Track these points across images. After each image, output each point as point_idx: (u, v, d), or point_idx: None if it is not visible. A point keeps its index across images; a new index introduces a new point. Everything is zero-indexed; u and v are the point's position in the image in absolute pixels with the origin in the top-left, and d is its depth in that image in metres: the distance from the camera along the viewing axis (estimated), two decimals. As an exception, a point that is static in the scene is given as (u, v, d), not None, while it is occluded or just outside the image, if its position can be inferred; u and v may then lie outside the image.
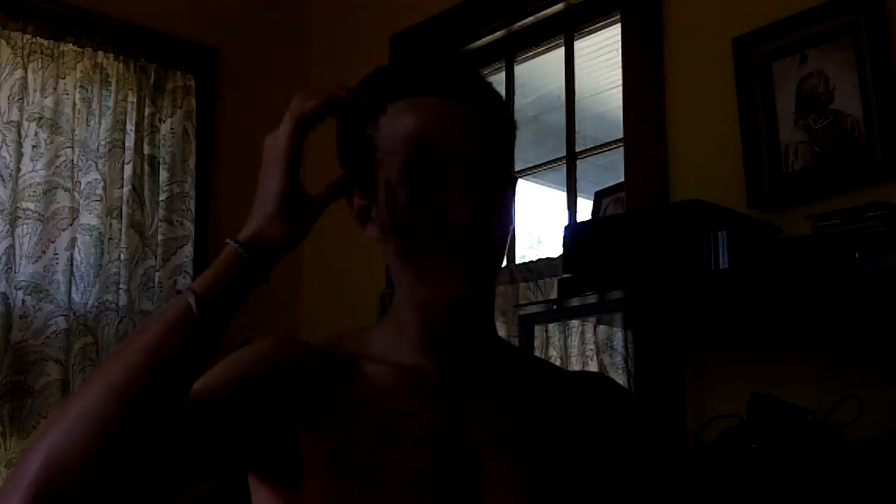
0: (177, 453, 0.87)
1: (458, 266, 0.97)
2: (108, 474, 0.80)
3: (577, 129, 2.80)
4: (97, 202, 2.83)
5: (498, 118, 1.03)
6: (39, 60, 2.81)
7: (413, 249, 0.99)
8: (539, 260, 2.59)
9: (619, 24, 2.53)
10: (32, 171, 2.75)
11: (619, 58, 2.48)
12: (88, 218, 2.82)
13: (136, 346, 0.86)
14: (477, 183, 0.98)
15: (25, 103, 2.76)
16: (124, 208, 2.86)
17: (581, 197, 2.75)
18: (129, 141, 2.90)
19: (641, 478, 1.10)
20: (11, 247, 2.67)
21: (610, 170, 2.82)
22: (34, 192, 2.74)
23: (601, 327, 2.35)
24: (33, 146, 2.76)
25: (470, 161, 0.98)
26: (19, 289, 2.68)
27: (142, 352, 0.85)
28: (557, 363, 2.39)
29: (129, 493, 0.82)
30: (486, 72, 3.00)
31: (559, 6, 2.73)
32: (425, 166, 0.97)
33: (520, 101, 3.04)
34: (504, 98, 1.08)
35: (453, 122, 0.98)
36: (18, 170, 2.72)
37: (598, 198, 2.48)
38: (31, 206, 2.73)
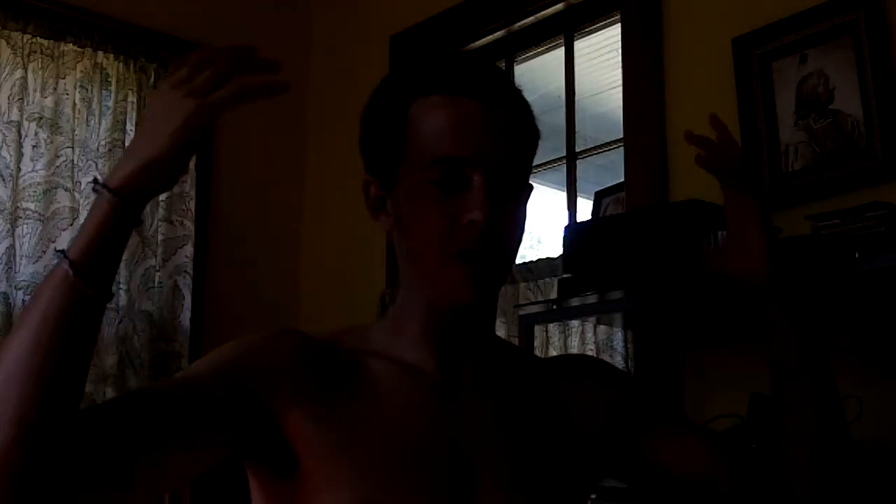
0: (139, 432, 0.87)
1: (466, 270, 0.98)
2: (21, 455, 0.79)
3: (577, 129, 2.80)
4: (97, 202, 2.82)
5: (525, 127, 1.04)
6: (39, 60, 2.81)
7: (425, 247, 0.99)
8: (539, 260, 2.59)
9: (619, 24, 2.53)
10: (32, 171, 2.75)
11: (619, 58, 2.48)
12: (88, 218, 2.81)
13: (26, 327, 0.83)
14: (497, 189, 0.98)
15: (25, 103, 2.76)
16: (124, 208, 2.85)
17: (581, 197, 2.75)
18: (129, 141, 2.90)
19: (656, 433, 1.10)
20: (11, 247, 2.67)
21: (610, 170, 2.82)
22: (34, 192, 2.74)
23: (601, 327, 2.35)
24: (33, 146, 2.76)
25: (493, 166, 0.98)
26: (19, 289, 2.68)
27: (32, 331, 0.83)
28: (557, 363, 2.39)
29: (54, 472, 0.80)
30: (486, 72, 2.99)
31: (559, 6, 2.73)
32: (448, 166, 0.97)
33: (520, 101, 3.03)
34: (531, 108, 1.08)
35: (485, 126, 0.99)
36: (18, 170, 2.72)
37: (598, 198, 2.48)
38: (31, 206, 2.73)
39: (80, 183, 2.82)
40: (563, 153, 2.80)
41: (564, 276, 2.08)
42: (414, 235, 1.00)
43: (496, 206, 0.97)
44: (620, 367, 2.32)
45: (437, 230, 0.98)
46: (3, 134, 2.72)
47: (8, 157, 2.71)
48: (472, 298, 0.98)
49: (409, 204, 1.00)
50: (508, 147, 1.00)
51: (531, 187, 1.08)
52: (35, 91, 2.79)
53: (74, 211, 2.79)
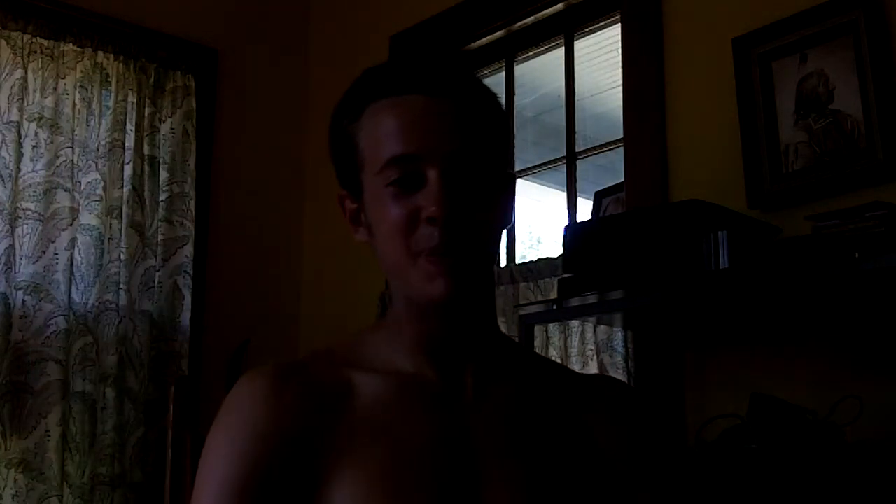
0: None
1: (435, 267, 0.96)
2: None
3: (577, 129, 2.80)
4: (97, 202, 2.83)
5: (484, 115, 1.01)
6: (39, 60, 2.81)
7: (392, 248, 0.98)
8: (539, 260, 2.59)
9: (619, 24, 2.53)
10: (32, 171, 2.75)
11: (619, 58, 2.48)
12: (88, 218, 2.82)
13: None
14: (455, 181, 0.96)
15: (25, 103, 2.76)
16: (124, 208, 2.86)
17: (581, 197, 2.75)
18: (129, 141, 2.90)
19: (646, 487, 1.08)
20: (11, 247, 2.67)
21: (610, 170, 2.82)
22: (34, 192, 2.74)
23: (601, 327, 2.35)
24: (33, 146, 2.76)
25: (447, 159, 0.96)
26: (19, 289, 2.68)
27: None
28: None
29: None
30: (486, 72, 3.00)
31: (559, 6, 2.73)
32: (401, 165, 0.96)
33: (520, 101, 3.04)
34: (495, 94, 1.05)
35: (431, 119, 0.97)
36: (18, 170, 2.72)
37: (598, 198, 2.48)
38: (31, 206, 2.73)
39: (80, 183, 2.82)
40: (563, 153, 2.80)
41: (564, 276, 2.08)
42: (382, 240, 0.99)
43: (458, 199, 0.95)
44: (620, 367, 2.32)
45: (400, 231, 0.96)
46: (3, 134, 2.71)
47: (8, 157, 2.71)
48: (444, 295, 0.96)
49: (374, 210, 1.00)
50: (463, 136, 0.97)
51: (511, 177, 1.06)
52: (35, 91, 2.79)
53: (74, 211, 2.79)
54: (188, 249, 2.96)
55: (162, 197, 2.95)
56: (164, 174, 2.96)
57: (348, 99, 1.04)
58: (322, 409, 0.98)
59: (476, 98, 1.02)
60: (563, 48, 2.83)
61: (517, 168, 2.92)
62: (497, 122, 1.04)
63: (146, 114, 2.95)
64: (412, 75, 1.00)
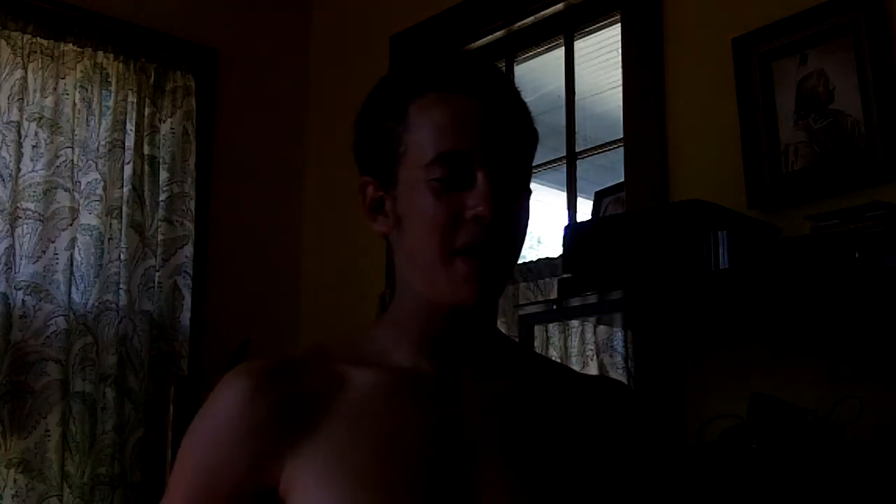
0: None
1: (469, 269, 0.96)
2: None
3: (577, 129, 2.80)
4: (97, 202, 2.83)
5: (525, 126, 1.03)
6: (39, 60, 2.81)
7: (426, 244, 0.97)
8: (539, 260, 2.59)
9: (619, 24, 2.53)
10: (32, 171, 2.75)
11: (619, 58, 2.48)
12: (88, 218, 2.82)
13: None
14: (500, 185, 0.96)
15: (25, 103, 2.76)
16: (124, 208, 2.86)
17: (581, 197, 2.75)
18: (129, 141, 2.90)
19: (645, 484, 1.08)
20: (11, 247, 2.67)
21: (610, 170, 2.82)
22: (34, 192, 2.74)
23: (601, 327, 2.35)
24: (33, 146, 2.76)
25: (497, 162, 0.97)
26: (19, 289, 2.68)
27: None
28: (557, 363, 2.39)
29: None
30: (486, 72, 3.00)
31: (559, 6, 2.73)
32: (452, 161, 0.96)
33: (520, 101, 3.03)
34: (531, 111, 1.06)
35: (485, 121, 0.97)
36: (18, 170, 2.72)
37: (598, 198, 2.48)
38: (31, 206, 2.73)
39: (80, 183, 2.82)
40: (563, 153, 2.80)
41: (564, 276, 2.08)
42: (415, 234, 0.98)
43: (500, 204, 0.96)
44: (620, 367, 2.32)
45: (441, 227, 0.95)
46: (3, 134, 2.72)
47: (8, 157, 2.71)
48: (474, 299, 0.96)
49: (411, 202, 0.98)
50: (510, 144, 0.98)
51: (531, 191, 1.06)
52: (35, 91, 2.79)
53: (74, 211, 2.79)
54: (188, 249, 2.96)
55: (162, 197, 2.95)
56: (164, 174, 2.96)
57: (391, 89, 1.03)
58: (310, 406, 0.97)
59: (520, 109, 1.03)
60: (563, 48, 2.83)
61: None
62: (531, 135, 1.04)
63: (146, 114, 2.95)
64: (465, 75, 1.00)
